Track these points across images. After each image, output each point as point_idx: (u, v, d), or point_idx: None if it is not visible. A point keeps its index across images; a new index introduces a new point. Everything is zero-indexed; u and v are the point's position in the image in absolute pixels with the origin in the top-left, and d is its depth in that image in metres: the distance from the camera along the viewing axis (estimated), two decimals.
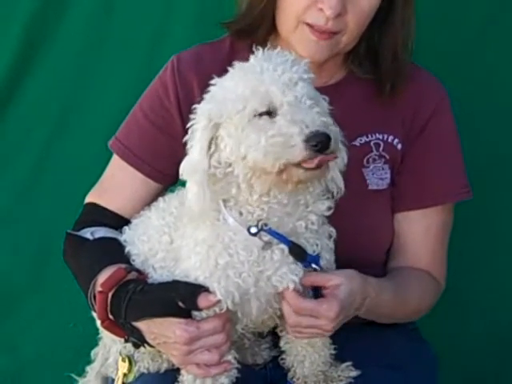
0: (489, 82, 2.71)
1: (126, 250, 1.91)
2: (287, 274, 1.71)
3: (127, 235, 1.94)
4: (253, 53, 1.71)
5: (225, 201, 1.71)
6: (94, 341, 2.04)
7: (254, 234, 1.70)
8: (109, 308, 1.80)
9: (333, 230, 1.79)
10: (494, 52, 2.71)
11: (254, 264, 1.70)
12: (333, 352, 1.86)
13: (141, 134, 2.06)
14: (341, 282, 1.74)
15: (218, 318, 1.73)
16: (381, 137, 2.04)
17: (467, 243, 2.72)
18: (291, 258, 1.72)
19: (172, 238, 1.83)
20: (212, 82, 1.71)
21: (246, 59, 1.68)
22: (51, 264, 2.70)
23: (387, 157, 2.04)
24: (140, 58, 2.68)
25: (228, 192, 1.69)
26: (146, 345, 1.81)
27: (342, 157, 1.72)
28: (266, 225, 1.70)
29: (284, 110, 1.59)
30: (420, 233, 2.07)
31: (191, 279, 1.73)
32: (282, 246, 1.71)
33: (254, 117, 1.61)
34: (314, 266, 1.73)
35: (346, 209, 1.81)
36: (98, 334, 2.01)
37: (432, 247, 2.08)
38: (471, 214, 2.57)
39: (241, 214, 1.70)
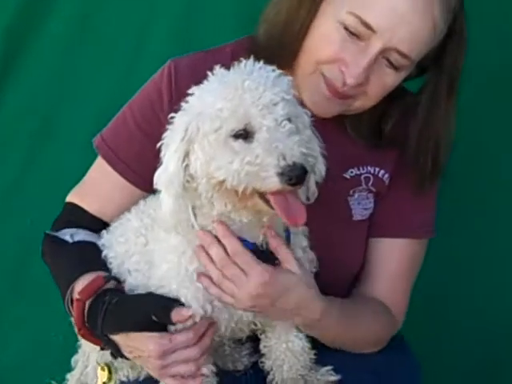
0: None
1: (103, 253, 1.90)
2: None
3: (105, 239, 1.93)
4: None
5: (192, 207, 1.69)
6: (74, 348, 2.04)
7: None
8: (85, 318, 1.79)
9: (306, 245, 1.79)
10: None
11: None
12: (312, 356, 1.86)
13: (128, 137, 1.99)
14: (294, 271, 1.71)
15: (191, 331, 1.72)
16: (372, 170, 2.00)
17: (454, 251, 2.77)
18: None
19: (147, 239, 1.82)
20: (190, 91, 1.67)
21: None
22: (32, 271, 2.69)
23: (374, 190, 2.02)
24: (123, 60, 2.68)
25: (194, 201, 1.68)
26: (122, 357, 1.81)
27: (320, 170, 1.69)
28: None
29: (262, 136, 1.56)
30: (382, 258, 2.03)
31: (165, 288, 1.73)
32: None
33: (229, 137, 1.58)
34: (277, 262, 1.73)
35: (328, 238, 1.84)
36: (78, 341, 2.00)
37: (392, 273, 2.03)
38: (455, 220, 2.58)
39: (204, 220, 1.69)
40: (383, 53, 1.78)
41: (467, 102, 1.99)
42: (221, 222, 1.68)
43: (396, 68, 1.81)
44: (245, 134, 1.58)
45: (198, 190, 1.65)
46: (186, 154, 1.64)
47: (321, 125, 1.74)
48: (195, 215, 1.69)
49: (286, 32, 1.86)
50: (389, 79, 1.84)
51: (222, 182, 1.59)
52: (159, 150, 1.69)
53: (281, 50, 1.87)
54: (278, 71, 1.65)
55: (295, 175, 1.53)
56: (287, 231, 1.75)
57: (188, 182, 1.65)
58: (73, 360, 2.05)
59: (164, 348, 1.70)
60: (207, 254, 1.70)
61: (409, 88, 2.00)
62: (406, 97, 1.98)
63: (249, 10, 2.60)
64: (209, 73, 1.67)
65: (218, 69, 1.67)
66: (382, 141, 1.97)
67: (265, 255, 1.71)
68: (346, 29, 1.78)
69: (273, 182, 1.54)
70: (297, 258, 1.74)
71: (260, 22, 1.94)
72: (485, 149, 2.76)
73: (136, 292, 1.82)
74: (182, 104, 1.68)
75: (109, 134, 2.03)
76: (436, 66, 1.89)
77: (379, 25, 1.75)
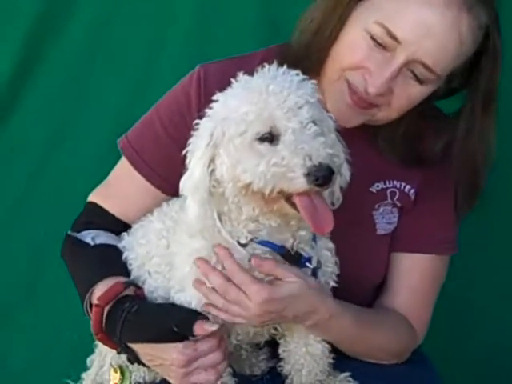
0: None
1: (124, 255, 1.90)
2: None
3: (126, 241, 1.93)
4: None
5: (219, 213, 1.69)
6: (89, 347, 2.03)
7: (244, 245, 1.69)
8: (104, 323, 1.79)
9: (332, 246, 1.79)
10: None
11: None
12: (331, 361, 1.85)
13: (153, 139, 1.97)
14: (294, 281, 1.70)
15: (213, 337, 1.72)
16: (398, 185, 1.99)
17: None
18: None
19: (169, 242, 1.82)
20: (214, 97, 1.67)
21: None
22: (47, 271, 2.69)
23: (399, 205, 2.01)
24: (141, 65, 2.66)
25: (221, 207, 1.68)
26: (140, 364, 1.82)
27: (345, 175, 1.70)
28: (256, 238, 1.69)
29: (287, 138, 1.56)
30: (404, 273, 2.02)
31: (185, 291, 1.73)
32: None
33: (255, 140, 1.59)
34: (307, 264, 1.72)
35: (350, 250, 1.82)
36: (93, 341, 1.98)
37: (413, 288, 2.02)
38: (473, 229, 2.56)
39: (232, 226, 1.69)
40: (408, 65, 1.78)
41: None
42: (221, 246, 1.69)
43: (421, 81, 1.80)
44: (270, 137, 1.58)
45: (224, 195, 1.65)
46: (212, 159, 1.64)
47: (348, 137, 1.73)
48: (221, 221, 1.69)
49: (317, 38, 1.86)
50: (414, 91, 1.82)
51: (248, 185, 1.59)
52: (185, 156, 1.68)
53: (310, 56, 1.87)
54: (302, 76, 1.65)
55: (322, 175, 1.53)
56: (314, 234, 1.74)
57: (214, 187, 1.65)
58: (89, 360, 2.05)
59: (189, 357, 1.70)
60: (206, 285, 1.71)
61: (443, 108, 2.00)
62: (441, 118, 1.98)
63: (267, 16, 2.63)
64: (232, 80, 1.67)
65: (241, 75, 1.67)
66: (414, 160, 1.96)
67: (294, 258, 1.71)
68: (373, 38, 1.78)
69: (300, 183, 1.54)
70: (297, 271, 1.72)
71: (294, 30, 1.94)
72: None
73: (156, 294, 1.83)
74: (207, 110, 1.68)
75: (134, 135, 2.02)
76: (471, 85, 1.88)
77: (405, 37, 1.75)
